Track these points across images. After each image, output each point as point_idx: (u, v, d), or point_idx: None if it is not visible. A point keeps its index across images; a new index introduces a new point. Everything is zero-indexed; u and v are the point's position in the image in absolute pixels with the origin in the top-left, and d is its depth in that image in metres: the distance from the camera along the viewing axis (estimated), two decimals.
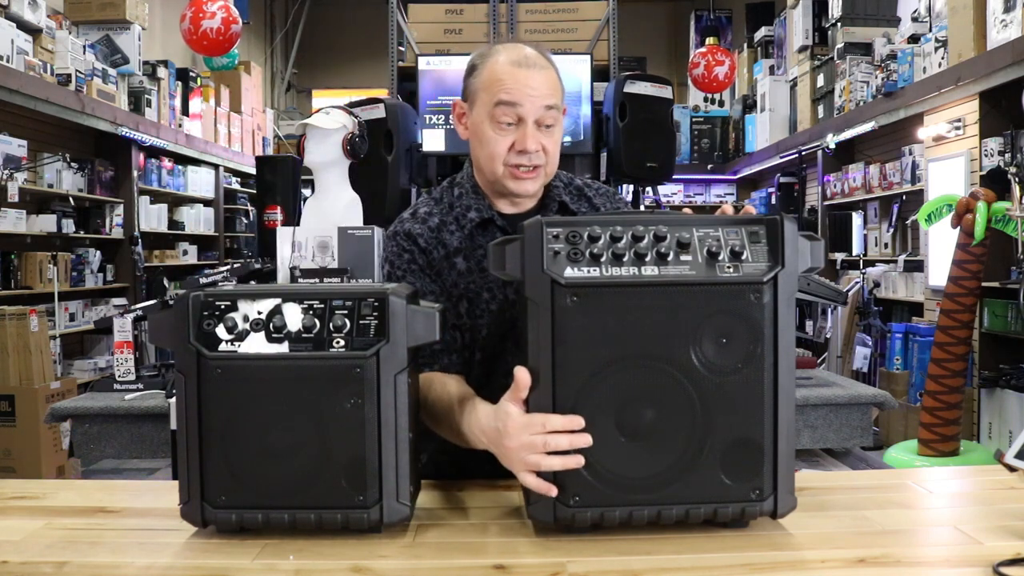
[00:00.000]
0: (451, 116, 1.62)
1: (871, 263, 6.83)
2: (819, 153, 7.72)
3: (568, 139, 4.97)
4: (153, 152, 7.68)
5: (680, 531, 1.16)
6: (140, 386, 3.28)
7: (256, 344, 1.15)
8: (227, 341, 1.15)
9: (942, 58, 5.39)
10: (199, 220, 8.79)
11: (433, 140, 4.78)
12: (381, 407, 1.14)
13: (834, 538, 1.16)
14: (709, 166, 10.11)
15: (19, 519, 1.27)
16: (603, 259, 1.13)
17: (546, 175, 1.55)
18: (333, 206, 3.39)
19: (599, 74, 5.21)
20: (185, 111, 8.13)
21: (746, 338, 1.13)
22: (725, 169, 10.15)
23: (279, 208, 4.57)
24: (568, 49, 5.24)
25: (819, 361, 5.42)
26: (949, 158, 5.42)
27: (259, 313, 1.17)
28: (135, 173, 7.20)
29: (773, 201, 8.70)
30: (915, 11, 6.28)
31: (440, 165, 4.91)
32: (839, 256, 7.26)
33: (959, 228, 4.36)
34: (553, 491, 1.13)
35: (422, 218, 1.57)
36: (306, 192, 5.09)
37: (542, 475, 1.13)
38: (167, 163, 8.03)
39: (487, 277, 1.52)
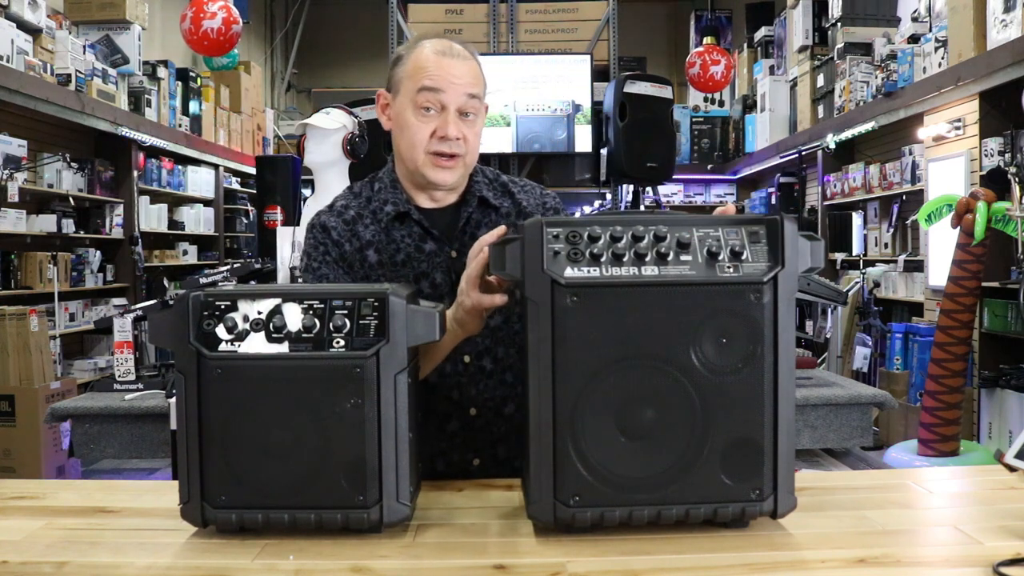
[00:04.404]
0: (375, 107, 1.64)
1: (871, 263, 6.83)
2: (819, 153, 7.72)
3: (563, 135, 4.97)
4: (153, 152, 7.68)
5: (680, 531, 1.16)
6: (140, 386, 3.29)
7: (256, 344, 1.15)
8: (227, 341, 1.15)
9: (942, 58, 5.39)
10: (199, 220, 8.78)
11: None
12: (381, 407, 1.14)
13: (834, 538, 1.16)
14: (709, 166, 10.11)
15: (19, 519, 1.27)
16: (603, 259, 1.13)
17: (465, 166, 1.56)
18: None
19: (599, 74, 5.22)
20: (185, 111, 8.12)
21: (746, 338, 1.13)
22: (725, 169, 10.15)
23: (279, 208, 4.59)
24: (568, 49, 5.25)
25: (819, 361, 5.42)
26: (949, 158, 5.42)
27: (259, 313, 1.17)
28: (135, 173, 7.19)
29: (773, 201, 8.70)
30: (915, 11, 6.28)
31: None
32: (839, 256, 7.26)
33: (959, 228, 4.36)
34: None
35: (338, 211, 1.60)
36: (306, 192, 5.09)
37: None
38: (167, 163, 8.02)
39: (398, 270, 1.55)
